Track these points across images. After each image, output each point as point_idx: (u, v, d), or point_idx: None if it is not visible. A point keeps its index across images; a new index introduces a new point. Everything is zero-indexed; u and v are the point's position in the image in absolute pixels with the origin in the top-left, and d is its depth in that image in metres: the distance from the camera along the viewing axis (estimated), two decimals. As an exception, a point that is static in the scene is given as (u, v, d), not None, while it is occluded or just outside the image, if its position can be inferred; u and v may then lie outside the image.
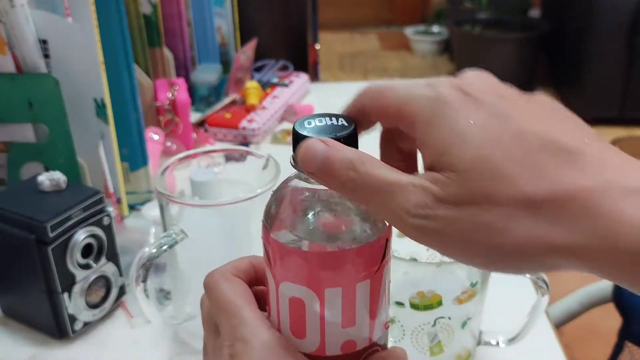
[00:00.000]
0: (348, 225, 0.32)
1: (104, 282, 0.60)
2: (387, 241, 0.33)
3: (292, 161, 0.32)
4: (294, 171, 0.32)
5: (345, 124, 0.31)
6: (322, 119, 0.32)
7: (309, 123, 0.31)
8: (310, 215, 0.32)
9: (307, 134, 0.31)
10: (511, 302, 0.59)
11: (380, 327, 0.34)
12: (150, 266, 0.51)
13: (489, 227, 0.26)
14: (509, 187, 0.26)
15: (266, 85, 1.10)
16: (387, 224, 0.33)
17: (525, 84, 3.20)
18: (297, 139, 0.31)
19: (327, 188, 0.31)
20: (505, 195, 0.26)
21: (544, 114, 0.28)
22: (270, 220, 0.33)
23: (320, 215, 0.32)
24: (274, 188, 0.35)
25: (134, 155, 0.75)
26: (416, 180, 0.28)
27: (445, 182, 0.27)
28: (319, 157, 0.29)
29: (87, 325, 0.60)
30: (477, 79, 0.30)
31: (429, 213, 0.27)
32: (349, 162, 0.29)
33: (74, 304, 0.58)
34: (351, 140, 0.31)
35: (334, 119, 0.32)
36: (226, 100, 1.04)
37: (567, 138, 0.27)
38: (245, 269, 0.36)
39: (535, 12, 3.40)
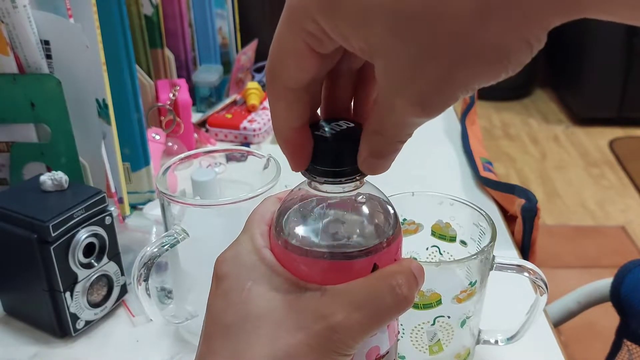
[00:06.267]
0: (358, 232, 0.32)
1: (106, 281, 0.61)
2: (399, 246, 0.33)
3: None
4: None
5: (352, 125, 0.31)
6: (334, 124, 0.31)
7: (325, 128, 0.31)
8: (320, 223, 0.32)
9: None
10: (510, 301, 0.59)
11: (392, 335, 0.35)
12: (152, 265, 0.51)
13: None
14: None
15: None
16: (397, 229, 0.32)
17: (524, 85, 3.21)
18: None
19: (336, 196, 0.31)
20: None
21: None
22: (279, 227, 0.33)
23: (330, 223, 0.32)
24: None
25: (135, 156, 0.76)
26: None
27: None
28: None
29: (89, 324, 0.60)
30: None
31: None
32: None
33: (76, 303, 0.58)
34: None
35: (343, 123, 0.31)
36: (227, 101, 1.04)
37: None
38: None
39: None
